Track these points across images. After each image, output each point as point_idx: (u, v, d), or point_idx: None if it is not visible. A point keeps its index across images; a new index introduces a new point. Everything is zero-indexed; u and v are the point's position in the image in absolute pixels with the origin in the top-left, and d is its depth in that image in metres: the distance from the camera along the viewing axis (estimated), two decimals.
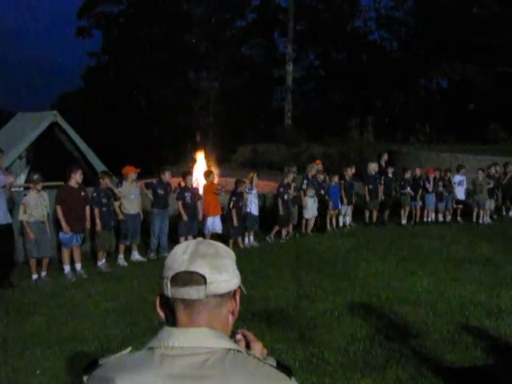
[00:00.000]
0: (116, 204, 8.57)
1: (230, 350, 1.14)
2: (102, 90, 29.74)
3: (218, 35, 31.41)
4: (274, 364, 1.17)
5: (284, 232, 10.74)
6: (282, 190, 10.68)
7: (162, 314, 1.22)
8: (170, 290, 1.16)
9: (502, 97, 25.14)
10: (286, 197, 10.63)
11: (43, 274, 7.66)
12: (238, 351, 1.15)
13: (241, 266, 1.23)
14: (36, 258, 7.59)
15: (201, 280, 1.15)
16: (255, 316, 5.85)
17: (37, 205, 7.50)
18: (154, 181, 9.34)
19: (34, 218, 7.48)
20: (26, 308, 6.34)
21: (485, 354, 4.98)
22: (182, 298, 1.15)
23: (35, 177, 7.63)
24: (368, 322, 5.85)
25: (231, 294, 1.22)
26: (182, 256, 1.18)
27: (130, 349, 1.19)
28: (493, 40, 25.45)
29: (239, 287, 1.25)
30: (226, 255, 1.22)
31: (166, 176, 9.30)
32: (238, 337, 1.33)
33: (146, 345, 1.16)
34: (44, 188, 7.80)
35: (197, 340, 1.13)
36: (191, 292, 1.15)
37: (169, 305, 1.18)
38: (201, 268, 1.15)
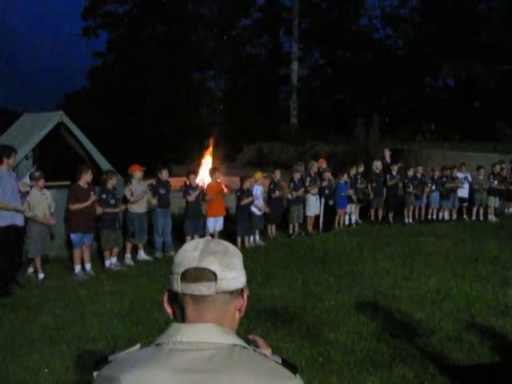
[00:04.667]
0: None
1: (236, 345, 1.16)
2: (107, 90, 29.79)
3: (224, 34, 31.42)
4: (280, 361, 1.19)
5: (290, 230, 10.74)
6: (272, 186, 10.71)
7: (169, 310, 1.24)
8: (180, 286, 1.17)
9: (508, 95, 25.02)
10: (277, 194, 10.66)
11: (41, 275, 7.52)
12: (245, 347, 1.17)
13: (247, 264, 1.25)
14: (38, 256, 7.52)
15: (211, 276, 1.17)
16: (261, 315, 5.86)
17: (39, 203, 7.46)
18: (154, 182, 9.31)
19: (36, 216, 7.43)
20: (34, 307, 6.37)
21: (491, 352, 4.98)
22: (191, 294, 1.17)
23: (37, 174, 7.56)
24: (374, 320, 5.85)
25: (239, 292, 1.24)
26: (193, 253, 1.19)
27: (139, 345, 1.22)
28: (499, 38, 25.31)
29: (245, 286, 1.27)
30: (235, 254, 1.24)
31: (164, 174, 9.31)
32: None
33: (155, 341, 1.18)
34: (50, 187, 7.80)
35: (204, 335, 1.15)
36: (201, 288, 1.17)
37: (177, 301, 1.20)
38: (211, 265, 1.17)
